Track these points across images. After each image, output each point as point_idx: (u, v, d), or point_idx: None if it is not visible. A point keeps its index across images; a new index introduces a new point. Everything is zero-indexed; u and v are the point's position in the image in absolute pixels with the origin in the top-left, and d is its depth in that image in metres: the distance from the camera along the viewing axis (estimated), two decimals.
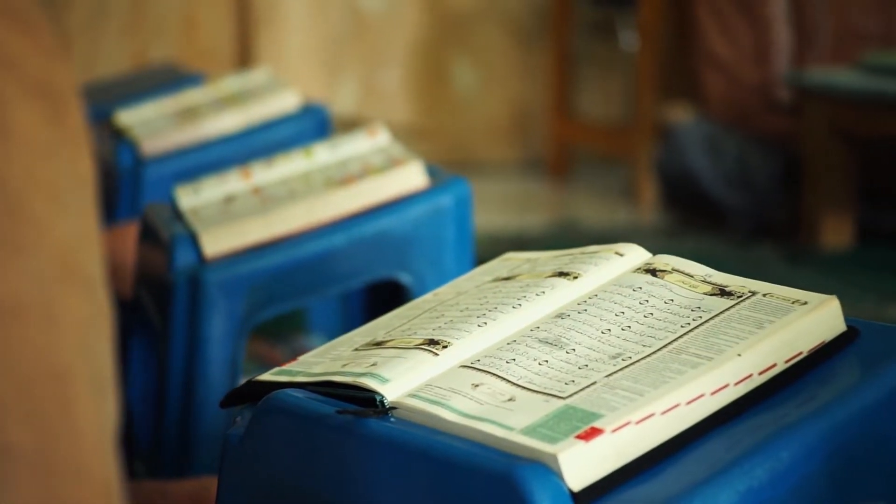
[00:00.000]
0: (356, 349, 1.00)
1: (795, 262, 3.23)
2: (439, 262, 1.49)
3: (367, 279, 1.51)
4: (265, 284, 1.47)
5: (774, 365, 0.89)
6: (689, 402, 0.86)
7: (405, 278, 1.49)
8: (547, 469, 0.82)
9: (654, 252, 1.02)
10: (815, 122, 3.29)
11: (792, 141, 3.40)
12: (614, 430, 0.83)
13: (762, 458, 0.83)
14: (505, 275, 1.06)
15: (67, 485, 0.55)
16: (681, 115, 3.66)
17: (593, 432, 0.83)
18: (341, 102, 4.26)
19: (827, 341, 0.91)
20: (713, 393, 0.87)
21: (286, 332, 2.15)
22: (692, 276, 0.98)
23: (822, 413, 0.86)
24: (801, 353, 0.90)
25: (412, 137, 4.29)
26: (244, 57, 4.13)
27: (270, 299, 1.48)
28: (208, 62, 4.05)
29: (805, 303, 0.91)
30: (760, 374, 0.88)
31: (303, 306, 1.54)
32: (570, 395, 0.87)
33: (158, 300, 1.55)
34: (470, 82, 4.35)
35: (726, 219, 3.46)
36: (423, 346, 0.95)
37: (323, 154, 1.65)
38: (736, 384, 0.88)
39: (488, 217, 3.66)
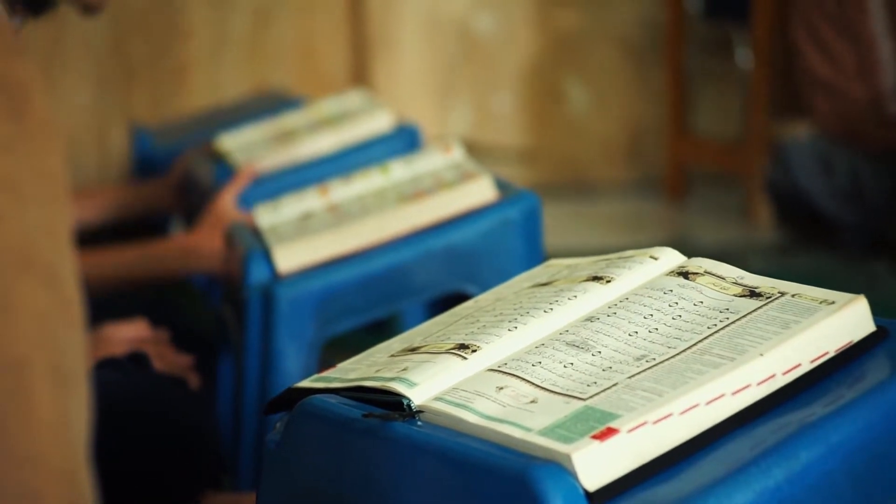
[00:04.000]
0: (392, 355, 1.01)
1: None
2: (508, 274, 1.48)
3: (437, 292, 1.52)
4: (336, 299, 1.49)
5: (799, 365, 0.88)
6: (709, 403, 0.85)
7: (474, 291, 1.49)
8: (561, 469, 0.82)
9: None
10: None
11: None
12: (630, 431, 0.83)
13: (779, 457, 0.82)
14: (544, 280, 1.07)
15: (20, 472, 0.56)
16: (796, 132, 3.61)
17: (609, 432, 0.83)
18: (454, 126, 4.28)
19: (855, 341, 0.89)
20: (734, 393, 0.86)
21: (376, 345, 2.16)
22: (724, 279, 0.97)
23: (844, 412, 0.84)
24: (827, 353, 0.89)
25: (526, 159, 4.29)
26: (360, 83, 4.18)
27: (342, 313, 1.50)
28: (325, 89, 4.11)
29: (832, 303, 0.90)
30: (784, 374, 0.87)
31: (374, 320, 1.55)
32: (591, 397, 0.87)
33: (237, 315, 1.58)
34: (583, 103, 4.34)
35: (840, 236, 3.40)
36: (452, 351, 0.96)
37: (399, 171, 1.66)
38: (759, 384, 0.87)
39: (602, 237, 3.64)
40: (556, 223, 3.80)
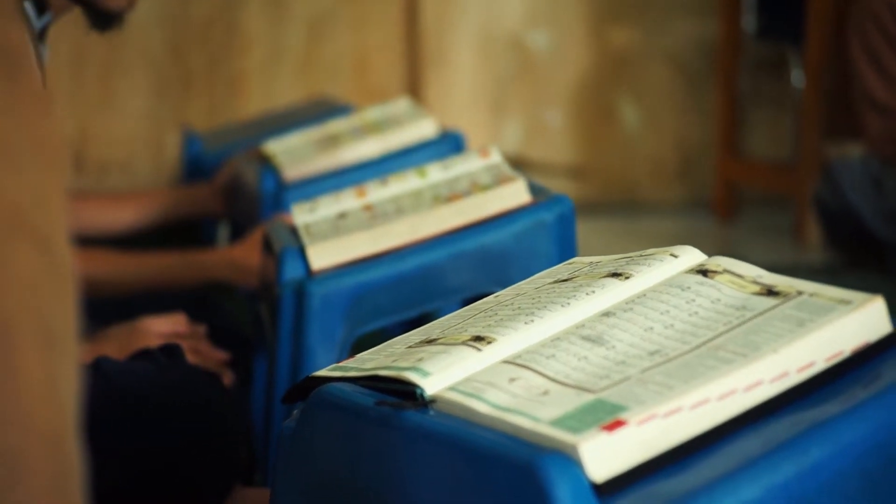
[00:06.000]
0: (410, 346, 1.01)
1: None
2: None
3: (468, 293, 1.52)
4: (368, 297, 1.49)
5: (813, 363, 0.87)
6: (720, 398, 0.85)
7: None
8: (569, 459, 0.81)
9: None
10: None
11: None
12: (640, 423, 0.82)
13: (789, 454, 0.81)
14: (565, 277, 1.07)
15: (4, 434, 0.55)
16: (848, 153, 3.58)
17: (618, 424, 0.82)
18: (506, 142, 4.29)
19: (871, 342, 0.89)
20: (747, 389, 0.85)
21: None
22: (742, 277, 0.97)
23: (858, 411, 0.84)
24: (842, 353, 0.88)
25: (576, 176, 4.29)
26: (413, 97, 4.20)
27: (373, 312, 1.50)
28: (378, 102, 4.13)
29: (849, 302, 0.89)
30: (798, 371, 0.87)
31: (405, 319, 1.55)
32: (602, 389, 0.87)
33: (270, 312, 1.59)
34: (635, 121, 4.33)
35: (889, 257, 3.37)
36: (468, 343, 0.96)
37: (436, 173, 1.66)
38: (772, 381, 0.86)
39: None
40: (605, 241, 3.80)
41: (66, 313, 0.60)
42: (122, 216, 2.52)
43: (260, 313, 1.77)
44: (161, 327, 1.67)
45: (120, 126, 4.17)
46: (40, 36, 1.66)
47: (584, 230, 3.93)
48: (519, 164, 4.19)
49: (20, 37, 0.59)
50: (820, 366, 0.87)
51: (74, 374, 0.60)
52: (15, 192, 0.58)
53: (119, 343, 1.62)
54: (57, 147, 0.60)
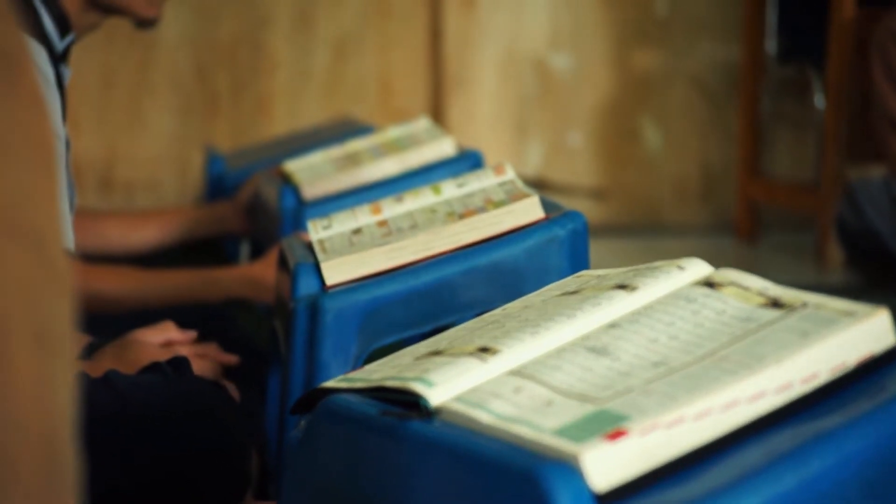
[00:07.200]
0: (417, 358, 1.02)
1: None
2: None
3: (482, 308, 1.52)
4: (381, 312, 1.49)
5: (817, 375, 0.87)
6: (723, 409, 0.85)
7: None
8: (571, 469, 0.82)
9: None
10: None
11: None
12: (642, 432, 0.83)
13: (791, 464, 0.81)
14: (572, 289, 1.07)
15: None
16: (870, 175, 3.57)
17: (620, 433, 0.82)
18: (528, 163, 4.29)
19: (875, 353, 0.89)
20: (750, 400, 0.85)
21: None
22: (749, 289, 0.97)
23: (860, 422, 0.84)
24: (845, 364, 0.88)
25: (599, 198, 4.29)
26: (436, 119, 4.21)
27: (386, 327, 1.51)
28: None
29: (853, 314, 0.89)
30: (802, 383, 0.87)
31: (418, 334, 1.56)
32: (606, 400, 0.87)
33: (284, 327, 1.59)
34: (658, 143, 4.33)
35: None
36: (474, 354, 0.97)
37: (450, 190, 1.67)
38: (775, 392, 0.86)
39: None
40: (627, 262, 3.79)
41: (60, 314, 0.59)
42: (145, 234, 2.54)
43: (275, 328, 1.77)
44: (153, 337, 1.68)
45: (147, 147, 4.19)
46: (63, 56, 1.68)
47: (605, 251, 3.92)
48: (541, 185, 4.19)
49: (18, 40, 0.59)
50: (823, 377, 0.87)
51: (69, 376, 0.60)
52: (11, 192, 0.58)
53: (116, 357, 1.63)
54: (52, 150, 0.60)
